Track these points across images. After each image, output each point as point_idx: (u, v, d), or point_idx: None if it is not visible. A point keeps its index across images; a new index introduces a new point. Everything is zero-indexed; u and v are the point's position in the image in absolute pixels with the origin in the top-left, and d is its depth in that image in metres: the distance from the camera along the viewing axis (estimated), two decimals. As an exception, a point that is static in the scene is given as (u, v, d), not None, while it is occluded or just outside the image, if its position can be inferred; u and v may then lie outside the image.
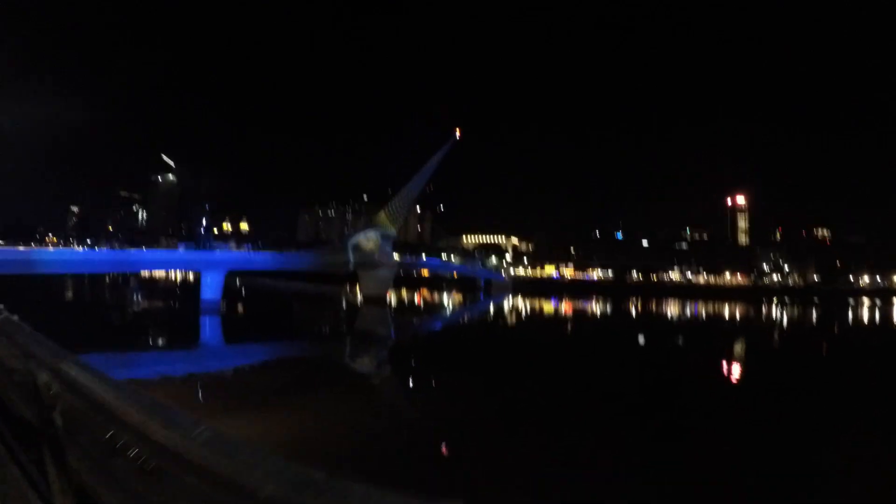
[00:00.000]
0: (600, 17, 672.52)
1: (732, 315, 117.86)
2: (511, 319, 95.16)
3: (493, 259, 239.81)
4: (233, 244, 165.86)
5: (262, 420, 24.38)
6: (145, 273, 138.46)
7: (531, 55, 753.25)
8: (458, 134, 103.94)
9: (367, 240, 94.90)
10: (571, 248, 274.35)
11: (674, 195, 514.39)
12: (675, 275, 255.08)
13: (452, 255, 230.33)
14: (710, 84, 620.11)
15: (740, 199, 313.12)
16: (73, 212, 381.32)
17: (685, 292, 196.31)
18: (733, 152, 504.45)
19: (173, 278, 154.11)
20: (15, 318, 11.82)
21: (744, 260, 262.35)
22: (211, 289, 73.27)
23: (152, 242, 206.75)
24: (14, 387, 4.12)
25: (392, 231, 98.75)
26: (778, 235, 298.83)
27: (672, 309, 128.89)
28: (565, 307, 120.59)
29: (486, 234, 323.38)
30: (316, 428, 24.01)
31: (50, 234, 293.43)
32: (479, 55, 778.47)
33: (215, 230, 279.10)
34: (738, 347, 62.63)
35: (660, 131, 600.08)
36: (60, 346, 7.75)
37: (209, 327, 60.79)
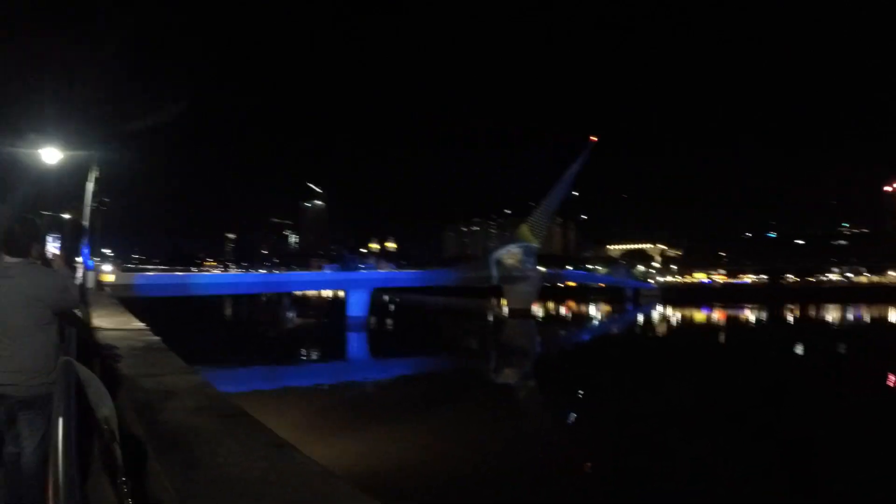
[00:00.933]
0: (739, 15, 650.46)
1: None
2: (660, 330, 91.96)
3: (641, 267, 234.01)
4: (381, 263, 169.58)
5: (399, 434, 24.20)
6: (298, 293, 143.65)
7: (667, 56, 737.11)
8: (594, 141, 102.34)
9: (510, 254, 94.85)
10: (722, 251, 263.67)
11: (828, 187, 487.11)
12: (834, 275, 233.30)
13: (598, 265, 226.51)
14: (856, 66, 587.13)
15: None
16: (230, 238, 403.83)
17: (846, 294, 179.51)
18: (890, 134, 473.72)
19: (324, 296, 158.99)
20: (158, 338, 12.30)
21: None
22: (357, 306, 75.13)
23: (303, 264, 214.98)
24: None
25: (535, 243, 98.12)
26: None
27: (834, 314, 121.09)
28: (718, 315, 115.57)
29: (632, 242, 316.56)
30: (454, 445, 23.20)
31: (209, 260, 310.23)
32: (616, 59, 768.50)
33: (362, 250, 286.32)
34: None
35: (809, 121, 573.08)
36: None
37: (355, 343, 61.99)
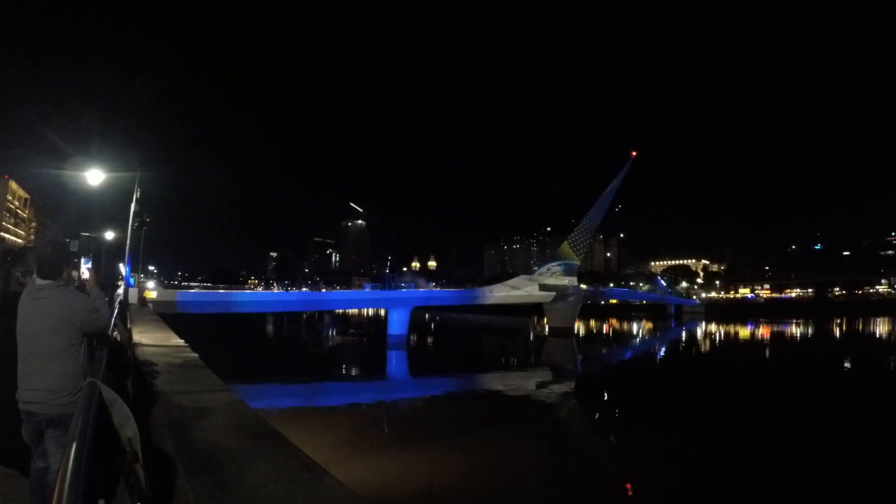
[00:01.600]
0: (776, 24, 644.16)
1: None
2: (703, 348, 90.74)
3: (683, 283, 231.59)
4: (421, 282, 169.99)
5: (434, 456, 23.94)
6: (339, 311, 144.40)
7: (711, 66, 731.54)
8: (634, 155, 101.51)
9: (551, 272, 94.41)
10: (766, 265, 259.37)
11: (876, 197, 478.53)
12: (882, 287, 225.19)
13: (640, 282, 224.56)
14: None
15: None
16: (273, 257, 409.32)
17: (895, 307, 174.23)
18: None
19: (365, 315, 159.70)
20: (195, 356, 12.32)
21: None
22: (397, 325, 75.29)
23: (344, 283, 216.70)
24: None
25: (576, 261, 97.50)
26: None
27: (882, 328, 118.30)
28: (762, 332, 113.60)
29: (674, 258, 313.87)
30: (492, 469, 22.64)
31: (252, 278, 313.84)
32: (656, 73, 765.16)
33: (404, 269, 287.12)
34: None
35: (854, 130, 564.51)
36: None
37: (395, 361, 61.92)
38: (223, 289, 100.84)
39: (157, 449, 5.05)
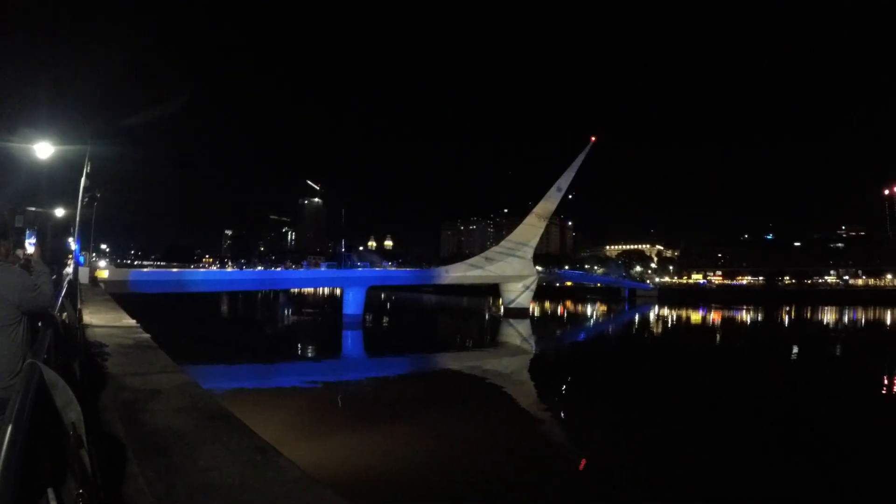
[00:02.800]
0: (728, 18, 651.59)
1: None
2: (655, 330, 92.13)
3: (638, 267, 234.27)
4: (377, 260, 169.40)
5: (389, 435, 23.92)
6: (295, 290, 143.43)
7: (666, 56, 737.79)
8: (593, 141, 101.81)
9: (508, 253, 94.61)
10: (719, 253, 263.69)
11: (827, 190, 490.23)
12: (830, 278, 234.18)
13: (595, 265, 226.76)
14: (857, 67, 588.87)
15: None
16: (228, 235, 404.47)
17: (842, 297, 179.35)
18: (889, 137, 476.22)
19: (321, 294, 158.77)
20: (147, 336, 12.17)
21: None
22: (353, 304, 74.93)
23: (300, 261, 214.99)
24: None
25: (532, 243, 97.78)
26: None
27: (829, 316, 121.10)
28: (713, 317, 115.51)
29: (629, 243, 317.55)
30: (445, 446, 22.98)
31: (207, 256, 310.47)
32: (614, 59, 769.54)
33: (360, 248, 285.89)
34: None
35: (808, 124, 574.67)
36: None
37: (351, 341, 61.67)
38: (177, 267, 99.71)
39: (107, 433, 4.97)
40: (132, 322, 14.62)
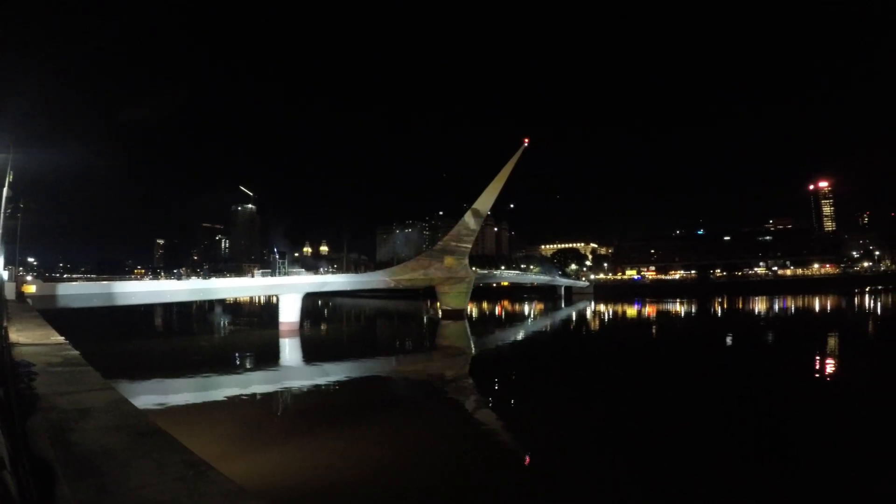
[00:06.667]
0: (651, 12, 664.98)
1: (823, 308, 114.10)
2: (591, 326, 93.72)
3: (573, 265, 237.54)
4: (312, 265, 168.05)
5: (327, 444, 23.82)
6: (230, 299, 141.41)
7: (594, 54, 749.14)
8: (526, 143, 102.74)
9: (443, 255, 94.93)
10: (652, 249, 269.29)
11: (754, 185, 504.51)
12: (760, 269, 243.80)
13: (531, 265, 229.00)
14: (784, 64, 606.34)
15: (823, 184, 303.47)
16: (160, 244, 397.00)
17: (772, 287, 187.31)
18: (812, 134, 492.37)
19: (257, 302, 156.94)
20: (76, 353, 11.97)
21: (831, 248, 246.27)
22: (289, 311, 74.30)
23: (235, 270, 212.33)
24: None
25: (467, 244, 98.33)
26: (866, 219, 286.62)
27: (759, 306, 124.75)
28: (648, 311, 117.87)
29: (564, 242, 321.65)
30: (386, 454, 22.92)
31: (138, 267, 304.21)
32: (544, 59, 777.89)
33: (296, 254, 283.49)
34: (833, 345, 59.76)
35: (733, 119, 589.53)
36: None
37: (288, 349, 61.04)
38: (106, 280, 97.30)
39: (37, 456, 4.97)
40: (61, 339, 14.34)
